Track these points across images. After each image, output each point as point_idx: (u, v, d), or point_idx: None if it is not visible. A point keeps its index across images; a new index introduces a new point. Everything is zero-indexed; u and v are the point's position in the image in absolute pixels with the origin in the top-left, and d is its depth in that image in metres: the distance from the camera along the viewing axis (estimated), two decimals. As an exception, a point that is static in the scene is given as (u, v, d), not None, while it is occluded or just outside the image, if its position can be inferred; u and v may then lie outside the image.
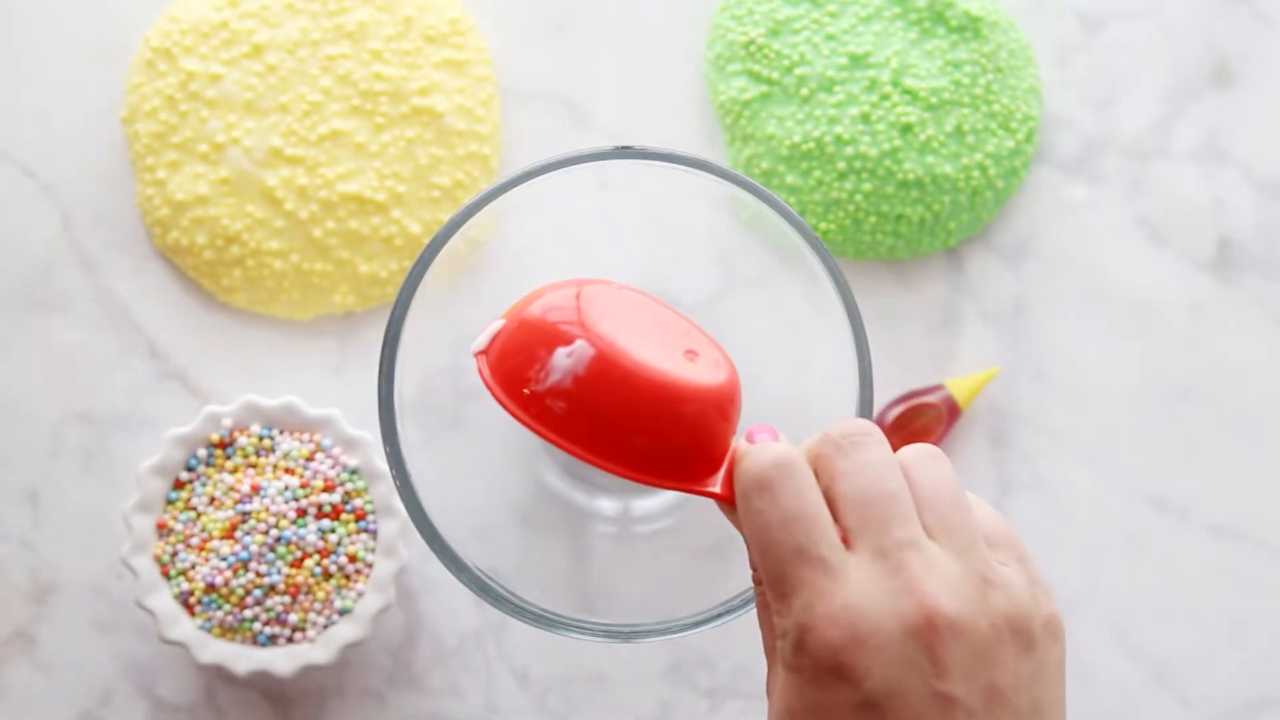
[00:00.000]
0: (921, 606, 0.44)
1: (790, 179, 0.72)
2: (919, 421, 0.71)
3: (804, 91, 0.72)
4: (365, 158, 0.73)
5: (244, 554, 0.68)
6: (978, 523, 0.46)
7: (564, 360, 0.51)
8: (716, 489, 0.50)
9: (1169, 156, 0.74)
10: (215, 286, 0.73)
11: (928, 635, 0.43)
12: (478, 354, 0.53)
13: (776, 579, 0.45)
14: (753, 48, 0.73)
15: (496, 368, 0.52)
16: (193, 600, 0.68)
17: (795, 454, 0.46)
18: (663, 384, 0.50)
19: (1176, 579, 0.73)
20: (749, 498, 0.46)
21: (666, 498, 0.71)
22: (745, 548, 0.49)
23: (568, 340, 0.50)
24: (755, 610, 0.48)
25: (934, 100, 0.72)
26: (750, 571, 0.49)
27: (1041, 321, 0.73)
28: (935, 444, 0.72)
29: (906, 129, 0.72)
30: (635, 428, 0.50)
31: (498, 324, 0.53)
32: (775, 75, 0.73)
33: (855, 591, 0.44)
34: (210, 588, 0.68)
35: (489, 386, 0.52)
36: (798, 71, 0.72)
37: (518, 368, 0.51)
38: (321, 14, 0.73)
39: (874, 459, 0.46)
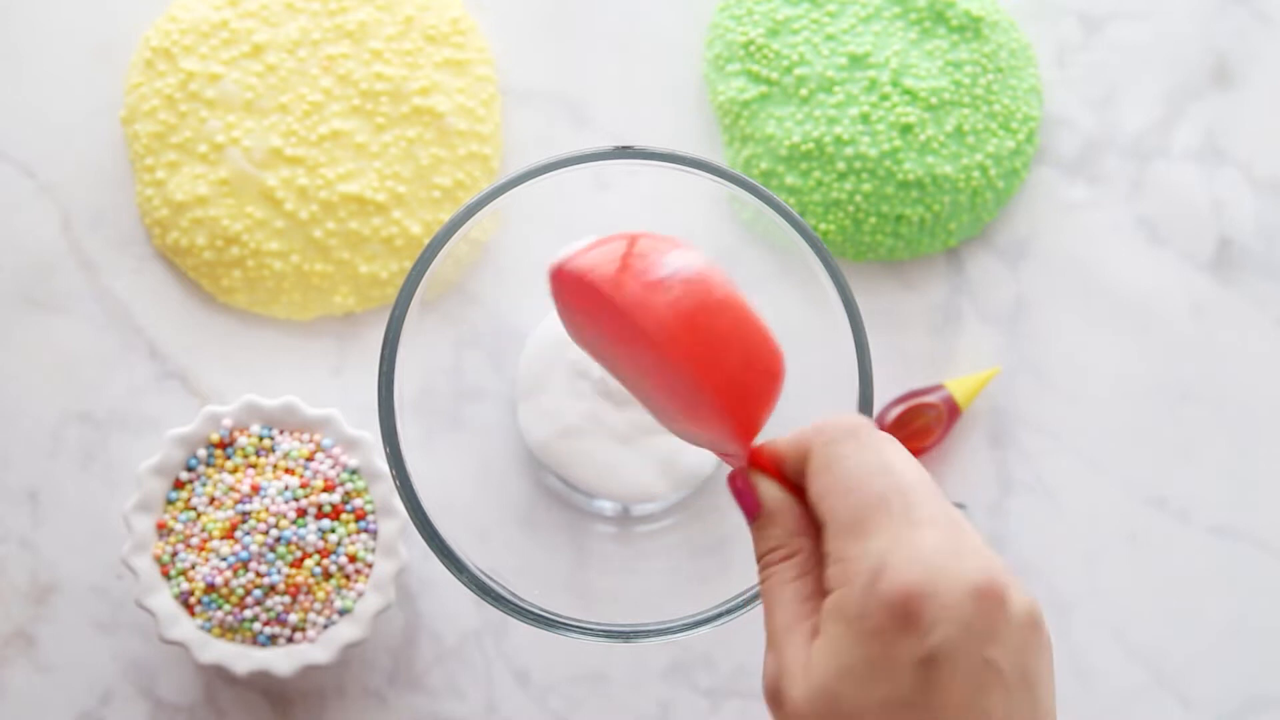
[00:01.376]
0: (988, 570, 0.44)
1: (790, 179, 0.72)
2: (919, 421, 0.72)
3: (803, 92, 0.72)
4: (366, 158, 0.73)
5: (244, 554, 0.68)
6: None
7: (677, 259, 0.50)
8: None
9: (1169, 156, 0.74)
10: (215, 287, 0.73)
11: (990, 600, 0.44)
12: (561, 265, 0.51)
13: (857, 520, 0.45)
14: (752, 48, 0.73)
15: (594, 266, 0.50)
16: (193, 600, 0.68)
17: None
18: (759, 326, 0.50)
19: (1176, 579, 0.73)
20: (837, 443, 0.47)
21: (666, 500, 0.71)
22: (758, 529, 0.49)
23: (681, 246, 0.50)
24: (765, 591, 0.48)
25: (934, 100, 0.72)
26: (761, 554, 0.49)
27: (1041, 322, 0.74)
28: (935, 444, 0.72)
29: (906, 129, 0.72)
30: (727, 347, 0.49)
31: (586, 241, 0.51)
32: (774, 75, 0.73)
33: (930, 543, 0.44)
34: (210, 588, 0.68)
35: (576, 277, 0.50)
36: (797, 72, 0.72)
37: (628, 260, 0.50)
38: (322, 13, 0.73)
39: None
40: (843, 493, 0.46)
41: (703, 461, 0.69)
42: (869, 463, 0.46)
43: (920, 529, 0.45)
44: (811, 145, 0.72)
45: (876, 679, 0.44)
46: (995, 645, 0.44)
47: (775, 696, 0.46)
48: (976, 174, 0.72)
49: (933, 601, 0.44)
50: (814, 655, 0.45)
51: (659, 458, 0.69)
